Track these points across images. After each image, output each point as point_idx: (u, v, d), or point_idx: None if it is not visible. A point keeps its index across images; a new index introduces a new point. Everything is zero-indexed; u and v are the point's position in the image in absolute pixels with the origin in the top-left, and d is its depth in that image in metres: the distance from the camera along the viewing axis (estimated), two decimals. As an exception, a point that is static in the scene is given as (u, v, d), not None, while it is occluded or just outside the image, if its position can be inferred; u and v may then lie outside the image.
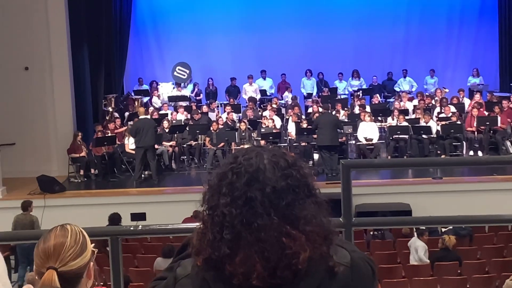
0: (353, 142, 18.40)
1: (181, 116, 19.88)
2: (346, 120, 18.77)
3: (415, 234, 12.58)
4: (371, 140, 17.74)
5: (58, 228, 2.48)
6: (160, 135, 17.79)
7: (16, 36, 17.98)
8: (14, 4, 17.87)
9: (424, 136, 17.73)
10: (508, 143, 17.77)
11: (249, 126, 18.47)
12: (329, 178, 15.97)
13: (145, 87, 22.96)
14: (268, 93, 22.78)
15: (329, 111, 17.89)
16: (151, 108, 20.55)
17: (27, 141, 18.17)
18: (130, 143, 17.51)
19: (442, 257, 11.77)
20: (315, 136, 17.63)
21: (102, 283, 9.21)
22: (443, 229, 12.98)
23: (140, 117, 17.11)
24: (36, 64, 18.22)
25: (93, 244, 2.54)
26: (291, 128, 18.58)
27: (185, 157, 18.39)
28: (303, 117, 19.29)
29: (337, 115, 18.74)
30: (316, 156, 18.01)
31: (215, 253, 1.89)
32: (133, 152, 17.21)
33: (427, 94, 21.23)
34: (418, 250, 12.00)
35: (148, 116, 17.32)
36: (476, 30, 24.02)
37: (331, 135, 16.68)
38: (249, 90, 22.46)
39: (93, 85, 20.23)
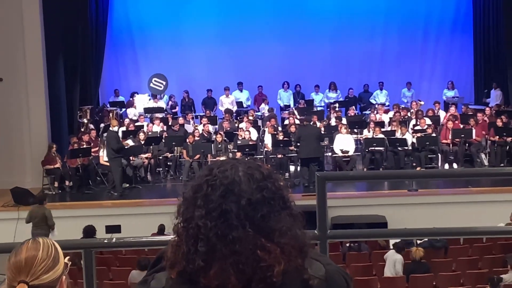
0: (329, 154, 18.45)
1: (157, 127, 19.82)
2: (323, 132, 18.80)
3: (391, 246, 12.62)
4: (347, 152, 17.79)
5: (30, 241, 2.45)
6: (134, 147, 17.78)
7: (-10, 47, 17.87)
8: (-12, 15, 17.77)
9: (399, 148, 17.81)
10: (483, 156, 17.92)
11: (225, 138, 18.46)
12: (306, 189, 15.98)
13: (121, 98, 22.86)
14: (244, 105, 22.79)
15: (311, 123, 17.95)
16: (126, 120, 20.47)
17: (1, 152, 18.01)
18: (104, 155, 17.44)
19: (413, 269, 11.82)
20: (291, 148, 17.67)
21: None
22: (418, 241, 13.03)
23: None
24: (11, 75, 18.07)
25: (67, 257, 2.51)
26: (268, 140, 18.57)
27: (161, 169, 18.33)
28: (280, 129, 19.31)
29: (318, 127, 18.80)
30: (292, 168, 18.04)
31: (189, 266, 1.88)
32: (107, 164, 17.20)
33: (402, 106, 21.36)
34: (396, 264, 12.03)
35: (114, 128, 17.28)
36: (451, 44, 24.26)
37: (314, 147, 16.74)
38: (226, 102, 22.45)
39: (69, 97, 20.13)
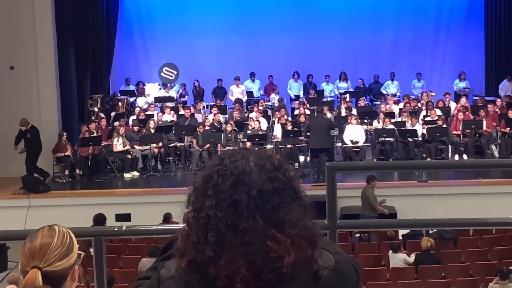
0: (339, 144, 18.43)
1: (168, 116, 19.83)
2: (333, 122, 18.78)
3: (400, 237, 12.61)
4: (357, 142, 17.76)
5: (46, 228, 2.47)
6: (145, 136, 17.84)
7: (1, 35, 17.87)
8: (0, 4, 17.78)
9: (409, 139, 17.76)
10: (493, 147, 17.86)
11: (235, 128, 18.45)
12: (315, 180, 15.98)
13: (132, 87, 22.90)
14: (255, 95, 22.76)
15: (322, 114, 17.90)
16: (137, 109, 20.53)
17: (12, 140, 18.04)
18: (118, 144, 17.48)
19: (422, 260, 11.82)
20: (301, 138, 17.65)
21: (85, 284, 9.17)
22: (428, 232, 13.02)
23: None
24: (22, 63, 18.11)
25: (78, 245, 2.52)
26: (277, 130, 18.56)
27: (171, 158, 18.34)
28: (290, 119, 19.28)
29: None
30: (302, 158, 18.03)
31: (199, 256, 1.88)
32: (121, 152, 17.34)
33: (413, 97, 21.30)
34: (404, 260, 12.07)
35: None
36: (462, 34, 24.14)
37: (324, 138, 16.70)
38: (236, 92, 22.44)
39: (79, 85, 20.14)
